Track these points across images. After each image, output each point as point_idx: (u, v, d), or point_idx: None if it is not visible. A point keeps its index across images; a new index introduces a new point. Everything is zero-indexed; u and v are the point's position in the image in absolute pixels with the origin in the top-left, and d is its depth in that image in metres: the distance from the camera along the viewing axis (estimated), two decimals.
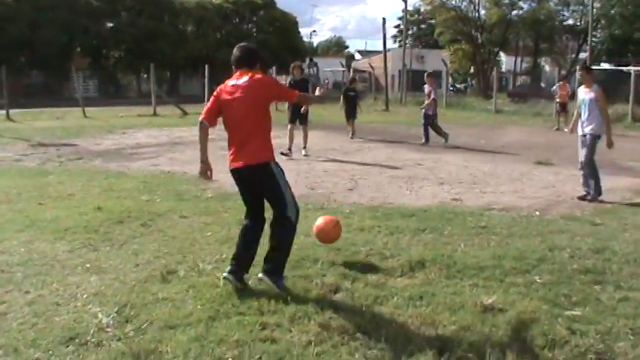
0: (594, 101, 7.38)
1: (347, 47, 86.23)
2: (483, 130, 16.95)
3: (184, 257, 4.78)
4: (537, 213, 6.58)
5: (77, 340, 3.29)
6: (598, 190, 7.34)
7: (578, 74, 8.30)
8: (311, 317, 3.57)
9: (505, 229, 5.76)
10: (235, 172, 4.07)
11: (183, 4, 42.40)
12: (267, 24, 45.76)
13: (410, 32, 55.49)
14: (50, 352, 3.18)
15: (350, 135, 14.27)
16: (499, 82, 33.45)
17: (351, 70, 36.57)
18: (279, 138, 10.73)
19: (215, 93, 4.16)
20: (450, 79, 40.09)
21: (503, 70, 49.67)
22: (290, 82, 11.30)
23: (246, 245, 4.12)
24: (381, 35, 28.78)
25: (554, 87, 19.47)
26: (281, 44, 42.63)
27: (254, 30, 46.18)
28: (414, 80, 30.68)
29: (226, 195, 7.08)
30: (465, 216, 6.31)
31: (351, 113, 14.54)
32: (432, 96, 13.20)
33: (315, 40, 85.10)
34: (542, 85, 39.03)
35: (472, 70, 44.19)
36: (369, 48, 68.59)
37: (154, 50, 36.36)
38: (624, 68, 22.11)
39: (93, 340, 3.30)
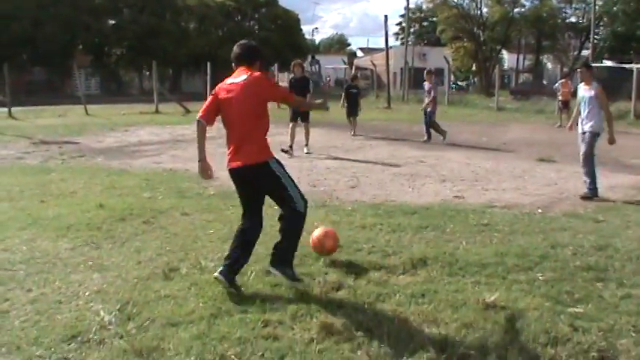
0: (594, 99, 7.35)
1: (349, 45, 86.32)
2: (485, 128, 16.92)
3: (186, 255, 4.78)
4: (540, 210, 6.57)
5: (79, 338, 3.30)
6: (593, 191, 7.24)
7: (578, 72, 8.25)
8: (313, 315, 3.57)
9: (507, 227, 5.75)
10: (234, 172, 4.00)
11: (186, 1, 42.32)
12: (269, 21, 45.73)
13: (412, 30, 55.52)
14: (52, 349, 3.18)
15: (351, 132, 14.26)
16: (501, 79, 33.45)
17: (354, 67, 36.56)
18: (280, 135, 10.84)
19: (213, 91, 4.13)
20: (452, 77, 40.03)
21: (506, 67, 49.65)
22: (291, 81, 11.28)
23: (244, 245, 4.03)
24: (383, 33, 28.73)
25: (557, 84, 19.47)
26: (283, 42, 42.59)
27: (256, 27, 46.11)
28: (416, 78, 30.73)
29: (228, 192, 7.04)
30: (467, 213, 6.30)
31: (352, 110, 14.54)
32: (433, 94, 13.20)
33: (317, 38, 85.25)
34: (545, 82, 38.98)
35: (474, 68, 44.12)
36: (371, 45, 68.39)
37: (156, 47, 36.28)
38: (627, 65, 22.04)
39: (95, 337, 3.30)
